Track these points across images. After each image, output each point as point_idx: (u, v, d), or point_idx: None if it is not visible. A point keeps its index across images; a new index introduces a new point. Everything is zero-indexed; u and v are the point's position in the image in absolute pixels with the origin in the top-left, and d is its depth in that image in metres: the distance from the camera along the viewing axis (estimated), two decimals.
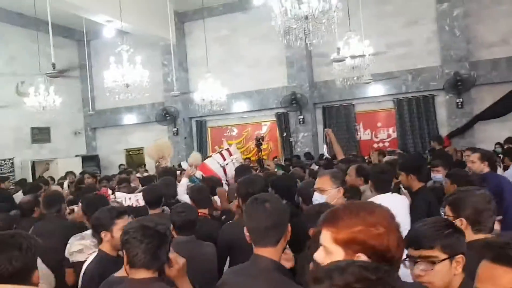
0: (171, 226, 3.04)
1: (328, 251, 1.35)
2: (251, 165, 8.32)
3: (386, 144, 12.51)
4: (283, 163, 10.66)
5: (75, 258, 3.38)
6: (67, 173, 10.12)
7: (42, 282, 2.57)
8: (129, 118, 15.47)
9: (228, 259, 3.30)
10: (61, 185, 8.93)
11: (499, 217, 2.97)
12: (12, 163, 13.28)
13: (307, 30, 5.49)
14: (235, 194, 3.71)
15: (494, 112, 11.23)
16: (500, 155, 7.96)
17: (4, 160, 13.08)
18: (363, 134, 12.98)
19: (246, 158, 11.86)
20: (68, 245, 3.47)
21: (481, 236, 2.22)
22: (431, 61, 11.96)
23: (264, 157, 12.61)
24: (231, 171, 5.99)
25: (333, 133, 6.88)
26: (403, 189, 4.04)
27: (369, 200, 3.12)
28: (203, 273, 2.93)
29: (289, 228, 2.16)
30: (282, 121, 13.52)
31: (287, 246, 2.26)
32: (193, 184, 5.32)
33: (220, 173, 5.96)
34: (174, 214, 3.09)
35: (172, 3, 12.13)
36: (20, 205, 4.68)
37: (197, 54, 13.91)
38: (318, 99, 13.23)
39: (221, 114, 13.46)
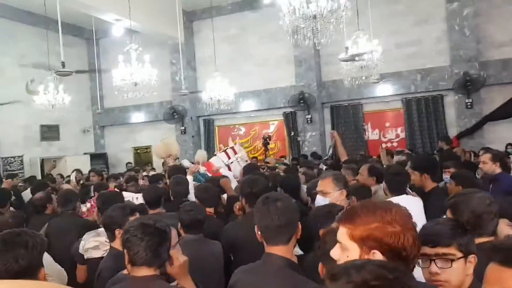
0: (179, 224, 3.05)
1: (344, 247, 1.38)
2: (258, 164, 8.33)
3: (395, 144, 12.44)
4: (289, 162, 10.64)
5: (90, 255, 3.37)
6: (74, 171, 10.20)
7: (52, 279, 2.59)
8: (137, 117, 15.54)
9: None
10: (68, 182, 8.99)
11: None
12: (22, 161, 13.39)
13: (315, 30, 5.47)
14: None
15: (504, 112, 11.12)
16: (510, 155, 7.90)
17: (14, 157, 13.19)
18: (371, 134, 12.93)
19: (253, 157, 11.87)
20: (82, 242, 3.45)
21: (482, 239, 2.17)
22: (441, 60, 11.88)
23: (271, 156, 12.63)
24: (236, 169, 5.98)
25: (339, 135, 6.85)
26: (409, 189, 3.98)
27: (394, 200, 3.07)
28: (210, 271, 2.94)
29: (300, 226, 2.19)
30: (290, 120, 13.50)
31: (296, 244, 2.28)
32: (198, 182, 5.33)
33: (225, 171, 5.96)
34: (182, 212, 3.08)
35: (181, 2, 12.17)
36: (32, 202, 4.73)
37: (206, 53, 13.93)
38: (326, 99, 13.20)
39: (229, 113, 13.48)
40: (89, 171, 9.68)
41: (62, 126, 14.73)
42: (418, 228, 1.39)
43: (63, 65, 7.95)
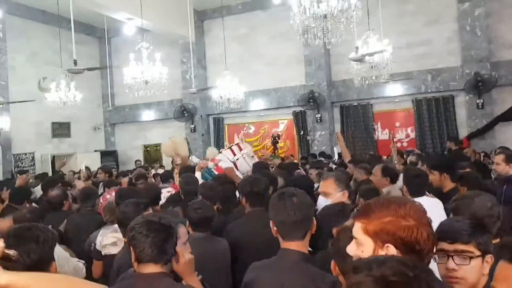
0: (187, 222, 3.06)
1: (359, 242, 1.41)
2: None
3: (405, 144, 12.39)
4: (298, 162, 10.63)
5: (108, 251, 3.35)
6: (80, 171, 10.28)
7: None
8: (148, 115, 15.63)
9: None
10: (78, 179, 9.07)
11: None
12: (33, 157, 13.54)
13: (325, 29, 5.47)
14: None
15: None
16: None
17: (25, 154, 13.34)
18: (381, 134, 12.89)
19: (262, 156, 11.84)
20: (99, 237, 3.44)
21: None
22: (451, 61, 11.81)
23: (281, 155, 12.63)
24: (242, 166, 5.97)
25: (342, 135, 6.88)
26: (426, 192, 3.90)
27: None
28: (218, 269, 2.94)
29: (315, 222, 2.21)
30: (299, 119, 13.50)
31: None
32: (204, 180, 5.35)
33: (226, 165, 5.93)
34: (191, 210, 3.07)
35: (192, 2, 12.21)
36: (49, 199, 4.78)
37: (216, 52, 14.00)
38: (335, 98, 13.18)
39: (239, 112, 13.53)
40: (98, 169, 9.78)
41: (73, 123, 14.87)
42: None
43: (75, 63, 8.04)
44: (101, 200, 4.91)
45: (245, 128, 14.54)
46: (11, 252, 1.29)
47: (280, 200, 2.19)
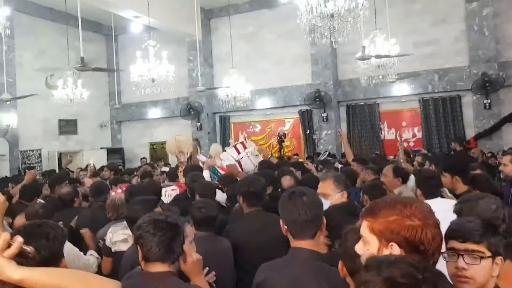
0: (191, 221, 3.05)
1: (366, 240, 1.43)
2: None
3: (411, 144, 12.34)
4: (304, 160, 10.62)
5: (118, 248, 3.34)
6: (88, 166, 10.34)
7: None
8: (154, 112, 15.68)
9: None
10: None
11: None
12: (40, 154, 13.62)
13: (332, 28, 5.46)
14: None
15: None
16: None
17: (32, 150, 13.42)
18: (388, 134, 12.86)
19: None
20: (109, 234, 3.43)
21: None
22: (459, 61, 11.75)
23: (287, 153, 12.64)
24: (246, 164, 5.98)
25: (344, 134, 6.86)
26: (447, 192, 3.78)
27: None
28: (223, 268, 2.94)
29: (325, 221, 2.23)
30: (306, 118, 13.49)
31: None
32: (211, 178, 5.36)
33: (228, 163, 5.94)
34: (194, 209, 3.05)
35: (199, 0, 12.23)
36: (60, 196, 4.84)
37: (222, 50, 14.01)
38: (342, 97, 13.16)
39: (245, 110, 13.53)
40: (102, 166, 9.82)
41: (80, 120, 14.95)
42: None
43: (82, 60, 8.07)
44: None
45: (251, 127, 14.55)
46: (29, 248, 1.31)
47: (290, 199, 2.20)
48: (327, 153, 10.40)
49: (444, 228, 1.63)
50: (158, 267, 2.00)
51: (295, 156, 11.58)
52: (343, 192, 3.14)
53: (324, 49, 12.34)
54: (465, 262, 1.71)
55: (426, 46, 11.91)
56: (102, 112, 16.14)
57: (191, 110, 14.38)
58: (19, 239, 1.28)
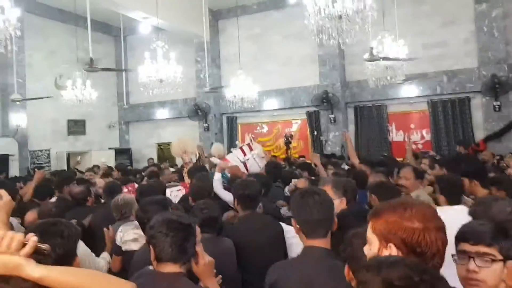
0: None
1: (369, 241, 1.47)
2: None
3: (420, 146, 12.28)
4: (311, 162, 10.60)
5: (129, 247, 3.36)
6: (94, 166, 10.42)
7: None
8: (162, 113, 15.73)
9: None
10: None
11: None
12: (49, 154, 13.72)
13: (340, 29, 5.44)
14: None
15: None
16: None
17: (41, 150, 13.53)
18: (396, 135, 12.79)
19: (273, 156, 11.85)
20: (120, 233, 3.46)
21: None
22: (468, 62, 11.66)
23: (295, 155, 12.62)
24: (252, 166, 5.96)
25: (347, 136, 6.84)
26: (465, 197, 3.68)
27: (443, 210, 2.95)
28: (227, 269, 2.94)
29: (336, 220, 2.27)
30: (313, 119, 13.46)
31: None
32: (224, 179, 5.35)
33: (241, 169, 5.93)
34: (196, 211, 3.04)
35: (207, 1, 12.27)
36: (73, 195, 4.90)
37: (230, 51, 14.03)
38: (350, 99, 13.11)
39: (252, 111, 13.54)
40: (107, 167, 9.90)
41: (89, 121, 15.04)
42: None
43: (92, 61, 8.13)
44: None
45: (258, 128, 14.56)
46: (44, 246, 1.32)
47: (303, 199, 2.24)
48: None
49: None
50: (170, 268, 2.00)
51: (301, 158, 11.54)
52: (341, 198, 3.13)
53: (331, 50, 12.32)
54: (476, 265, 1.70)
55: (435, 47, 11.84)
56: (110, 112, 16.23)
57: (199, 111, 14.41)
58: (33, 237, 1.29)
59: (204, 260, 2.17)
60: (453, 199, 3.27)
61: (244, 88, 11.21)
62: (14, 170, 12.06)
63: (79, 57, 10.90)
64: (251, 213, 3.42)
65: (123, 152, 15.90)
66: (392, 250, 1.37)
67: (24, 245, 1.27)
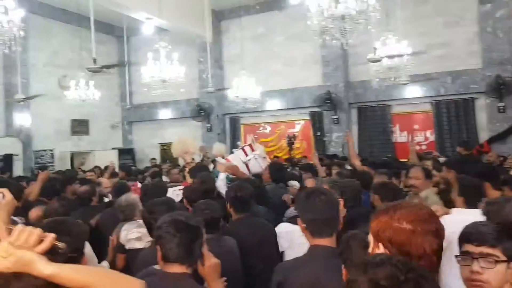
0: None
1: (370, 240, 1.52)
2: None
3: (423, 147, 12.22)
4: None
5: (132, 245, 3.40)
6: (95, 167, 10.43)
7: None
8: (165, 113, 15.75)
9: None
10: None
11: None
12: (52, 154, 13.76)
13: (343, 30, 5.43)
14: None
15: None
16: None
17: (45, 150, 13.57)
18: (399, 136, 12.75)
19: (275, 157, 11.82)
20: (124, 232, 3.49)
21: None
22: (472, 63, 11.61)
23: (298, 155, 12.61)
24: (254, 167, 5.95)
25: (350, 137, 6.82)
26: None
27: (458, 213, 2.89)
28: (230, 269, 2.93)
29: (341, 220, 2.31)
30: (316, 120, 13.43)
31: None
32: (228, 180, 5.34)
33: (243, 169, 5.92)
34: (198, 212, 3.01)
35: (210, 2, 12.28)
36: (79, 194, 4.92)
37: (233, 51, 14.04)
38: (353, 99, 13.08)
39: (255, 112, 13.52)
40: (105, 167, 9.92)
41: (92, 121, 15.08)
42: None
43: (95, 61, 8.15)
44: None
45: (261, 128, 14.55)
46: (60, 244, 1.34)
47: (309, 199, 2.27)
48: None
49: None
50: (176, 268, 2.01)
51: (302, 161, 11.50)
52: (339, 199, 3.12)
53: (335, 51, 12.29)
54: (480, 266, 1.69)
55: (438, 48, 11.79)
56: (113, 112, 16.26)
57: (202, 111, 14.42)
58: (51, 235, 1.32)
59: (210, 261, 2.17)
60: (472, 202, 3.21)
61: (247, 89, 11.20)
62: (18, 170, 12.09)
63: (83, 58, 10.92)
64: (244, 216, 3.40)
65: (126, 152, 15.93)
66: (380, 249, 1.41)
67: (40, 241, 1.29)
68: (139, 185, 6.07)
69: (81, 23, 11.69)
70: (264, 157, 6.18)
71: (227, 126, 15.03)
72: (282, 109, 13.94)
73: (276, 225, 3.62)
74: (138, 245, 3.34)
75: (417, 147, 11.71)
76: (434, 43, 11.77)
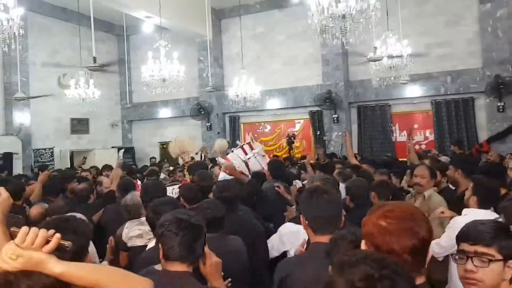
0: None
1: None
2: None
3: (423, 146, 12.23)
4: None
5: (134, 243, 3.43)
6: (92, 167, 10.41)
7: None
8: (165, 112, 15.75)
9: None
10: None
11: None
12: (52, 153, 13.74)
13: (343, 29, 5.43)
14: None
15: None
16: None
17: (45, 149, 13.55)
18: (399, 136, 12.74)
19: (274, 156, 11.81)
20: (126, 229, 3.52)
21: None
22: (472, 63, 11.61)
23: (297, 154, 12.60)
24: (254, 165, 5.95)
25: (349, 137, 6.87)
26: None
27: (472, 214, 2.91)
28: (234, 268, 2.91)
29: (343, 217, 2.37)
30: (316, 119, 13.43)
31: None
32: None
33: (243, 168, 5.92)
34: (200, 211, 3.00)
35: (210, 0, 12.26)
36: (77, 192, 4.93)
37: (233, 50, 14.03)
38: (353, 98, 13.08)
39: (255, 111, 13.53)
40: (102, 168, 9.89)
41: (92, 119, 15.06)
42: None
43: (94, 60, 8.14)
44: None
45: (261, 127, 14.54)
46: (66, 243, 1.35)
47: (312, 197, 2.33)
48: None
49: None
50: (178, 267, 2.01)
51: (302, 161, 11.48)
52: None
53: (335, 50, 12.30)
54: (474, 265, 1.70)
55: (438, 47, 11.79)
56: (113, 111, 16.24)
57: (201, 110, 14.42)
58: (57, 235, 1.33)
59: (211, 260, 2.17)
60: (486, 202, 3.17)
61: (247, 88, 11.20)
62: (18, 168, 12.08)
63: (83, 56, 10.90)
64: (230, 215, 3.33)
65: (126, 151, 15.84)
66: (363, 245, 1.46)
67: (47, 241, 1.30)
68: (139, 183, 6.07)
69: (81, 21, 11.67)
70: (263, 155, 6.18)
71: (227, 125, 15.03)
72: (282, 108, 13.93)
73: (268, 223, 3.65)
74: (139, 242, 3.37)
75: (416, 147, 11.73)
76: (434, 43, 11.78)
